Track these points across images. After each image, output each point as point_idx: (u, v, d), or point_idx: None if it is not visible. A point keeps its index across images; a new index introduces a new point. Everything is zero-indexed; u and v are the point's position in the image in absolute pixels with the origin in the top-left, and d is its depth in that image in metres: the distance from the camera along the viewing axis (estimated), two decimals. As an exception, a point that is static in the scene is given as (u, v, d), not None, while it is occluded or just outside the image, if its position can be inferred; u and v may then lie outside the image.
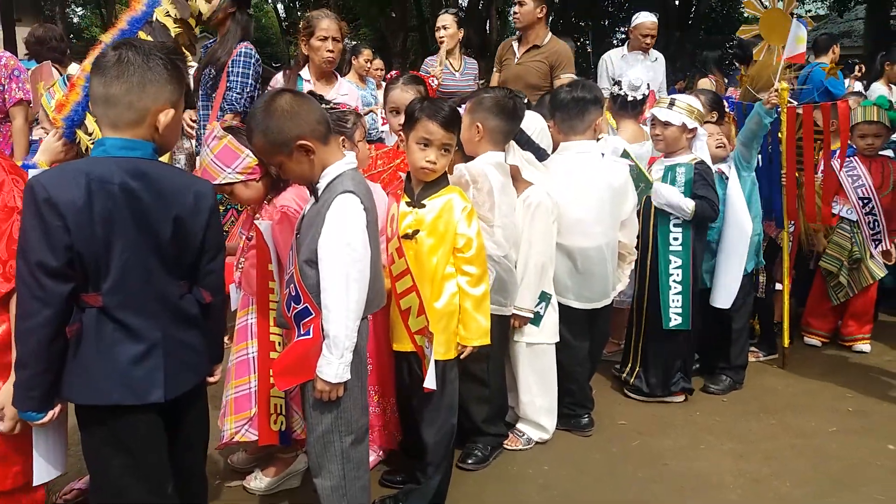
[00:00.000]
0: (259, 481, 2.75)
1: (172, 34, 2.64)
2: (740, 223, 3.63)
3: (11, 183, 1.83)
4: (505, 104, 2.88)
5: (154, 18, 2.61)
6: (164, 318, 1.85)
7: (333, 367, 2.07)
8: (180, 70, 1.91)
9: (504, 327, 3.00)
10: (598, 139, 3.31)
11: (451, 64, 5.39)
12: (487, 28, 19.98)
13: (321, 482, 2.23)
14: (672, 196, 3.44)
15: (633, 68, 3.95)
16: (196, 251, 1.92)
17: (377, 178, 3.11)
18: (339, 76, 4.25)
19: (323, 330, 2.09)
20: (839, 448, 3.24)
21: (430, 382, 2.46)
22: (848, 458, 3.15)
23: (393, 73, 3.71)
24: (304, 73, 4.11)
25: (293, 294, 2.16)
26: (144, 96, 1.79)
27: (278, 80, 4.21)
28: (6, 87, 4.46)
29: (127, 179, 1.75)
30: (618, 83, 3.96)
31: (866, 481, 2.96)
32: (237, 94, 3.96)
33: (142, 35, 2.55)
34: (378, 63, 7.22)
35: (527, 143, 3.11)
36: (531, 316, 3.05)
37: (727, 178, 3.72)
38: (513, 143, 3.02)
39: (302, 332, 2.14)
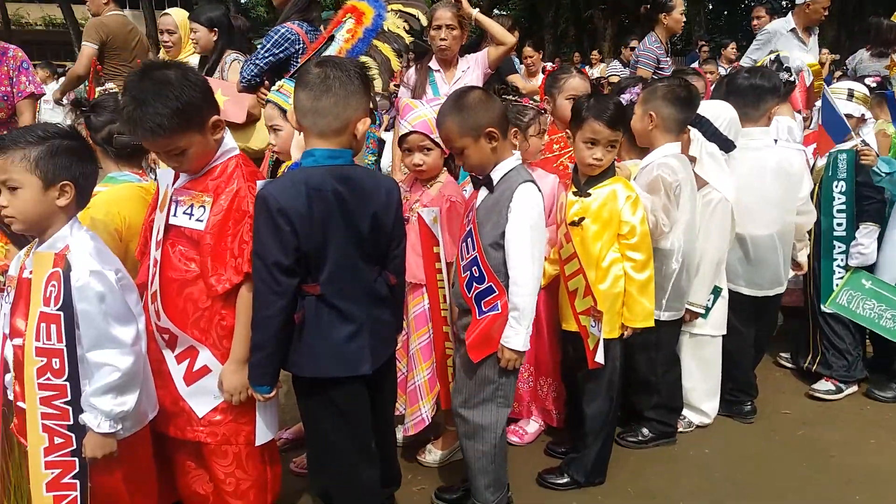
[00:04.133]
0: (433, 455, 2.98)
1: (406, 41, 2.93)
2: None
3: (247, 190, 2.07)
4: (678, 92, 2.93)
5: (386, 28, 2.91)
6: (366, 301, 2.14)
7: (521, 336, 2.30)
8: (370, 82, 2.17)
9: (678, 329, 3.11)
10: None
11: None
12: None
13: (475, 445, 2.45)
14: (870, 245, 3.48)
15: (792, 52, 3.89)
16: (387, 240, 2.21)
17: (554, 162, 3.25)
18: (460, 58, 4.18)
19: (510, 304, 2.32)
20: None
21: (599, 358, 2.62)
22: None
23: (552, 64, 3.76)
24: (433, 63, 4.18)
25: (476, 275, 2.38)
26: (348, 107, 2.05)
27: (410, 75, 4.30)
28: (15, 80, 4.19)
29: (336, 185, 2.03)
30: (777, 62, 3.87)
31: None
32: (247, 63, 4.10)
33: (376, 43, 2.86)
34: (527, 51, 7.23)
35: (713, 135, 3.14)
36: (703, 312, 3.12)
37: None
38: (698, 134, 3.07)
39: (485, 310, 2.36)
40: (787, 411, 3.45)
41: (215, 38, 4.24)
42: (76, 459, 1.89)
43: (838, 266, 3.55)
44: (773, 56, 4.02)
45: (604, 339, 2.64)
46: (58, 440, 1.88)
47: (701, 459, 3.05)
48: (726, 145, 3.15)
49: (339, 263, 2.05)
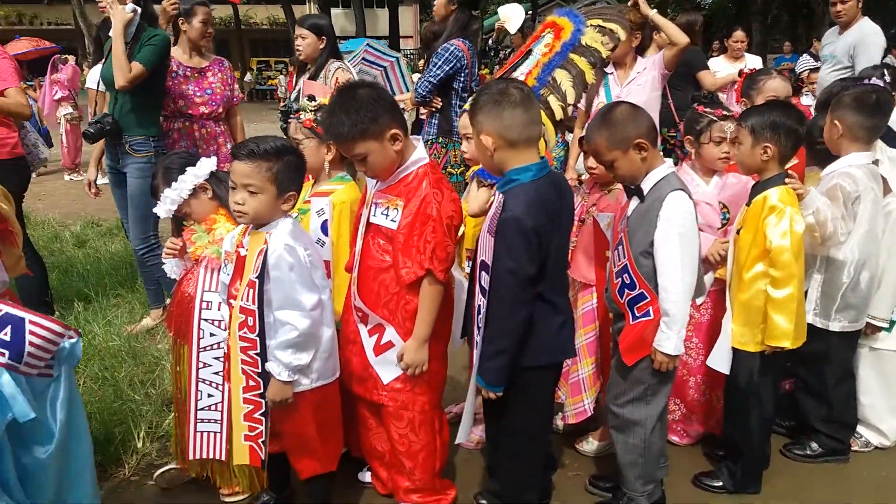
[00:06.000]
0: (590, 444, 3.12)
1: (603, 55, 3.08)
2: None
3: (432, 196, 2.32)
4: (865, 99, 2.84)
5: (583, 43, 3.06)
6: (566, 294, 2.37)
7: (672, 341, 2.38)
8: None
9: (853, 342, 3.00)
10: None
11: None
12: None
13: (625, 439, 2.57)
14: None
15: None
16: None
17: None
18: (640, 57, 4.19)
19: (661, 310, 2.40)
20: None
21: (711, 361, 2.70)
22: None
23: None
24: (610, 66, 4.18)
25: (627, 282, 2.48)
26: (539, 118, 2.28)
27: None
28: (231, 86, 4.64)
29: (554, 195, 2.25)
30: None
31: None
32: (422, 80, 4.60)
33: (573, 57, 3.03)
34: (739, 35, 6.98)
35: (891, 140, 2.96)
36: (886, 326, 2.99)
37: None
38: (878, 139, 2.93)
39: (637, 315, 2.47)
40: None
41: (322, 46, 4.30)
42: (263, 401, 2.29)
43: None
44: None
45: (740, 349, 2.66)
46: (251, 382, 2.29)
47: (876, 481, 2.92)
48: None
49: (555, 263, 2.28)
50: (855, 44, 5.10)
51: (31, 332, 1.77)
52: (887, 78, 3.59)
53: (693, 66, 5.29)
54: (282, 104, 6.12)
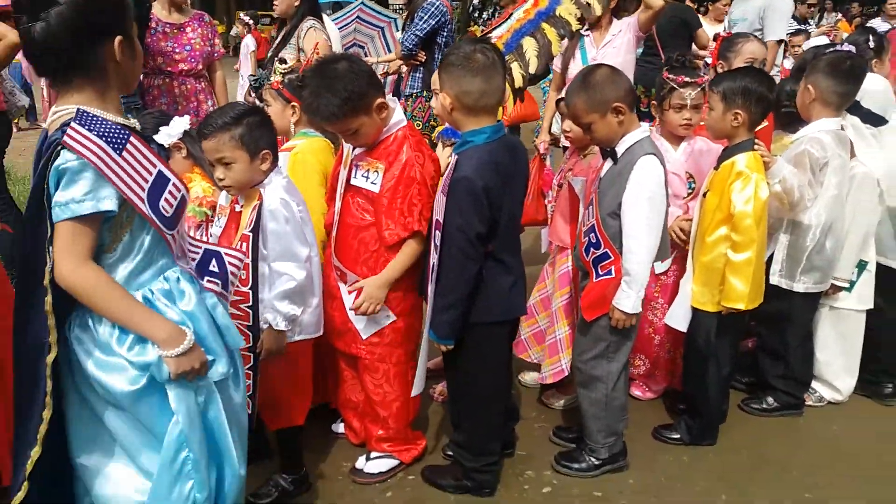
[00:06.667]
0: (556, 398, 3.25)
1: (573, 28, 3.07)
2: None
3: (414, 159, 2.39)
4: (839, 64, 2.89)
5: (557, 13, 3.07)
6: (518, 254, 2.45)
7: (631, 300, 2.47)
8: None
9: (814, 303, 3.11)
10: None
11: None
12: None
13: (588, 394, 2.68)
14: None
15: None
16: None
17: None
18: (615, 19, 4.13)
19: (623, 269, 2.49)
20: None
21: (668, 319, 2.84)
22: None
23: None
24: (586, 28, 4.13)
25: (593, 241, 2.56)
26: (502, 84, 2.31)
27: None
28: (212, 41, 4.53)
29: (507, 157, 2.32)
30: None
31: None
32: (408, 34, 4.91)
33: (544, 26, 3.04)
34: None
35: (854, 108, 3.03)
36: (846, 286, 3.10)
37: None
38: None
39: (601, 273, 2.55)
40: (935, 397, 3.31)
41: (297, 4, 4.32)
42: (251, 355, 2.34)
43: None
44: None
45: (699, 308, 2.76)
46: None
47: (826, 434, 3.06)
48: (871, 119, 3.04)
49: (507, 223, 2.35)
50: (765, 7, 5.18)
51: (230, 264, 1.85)
52: (871, 43, 3.64)
53: (691, 26, 5.33)
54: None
